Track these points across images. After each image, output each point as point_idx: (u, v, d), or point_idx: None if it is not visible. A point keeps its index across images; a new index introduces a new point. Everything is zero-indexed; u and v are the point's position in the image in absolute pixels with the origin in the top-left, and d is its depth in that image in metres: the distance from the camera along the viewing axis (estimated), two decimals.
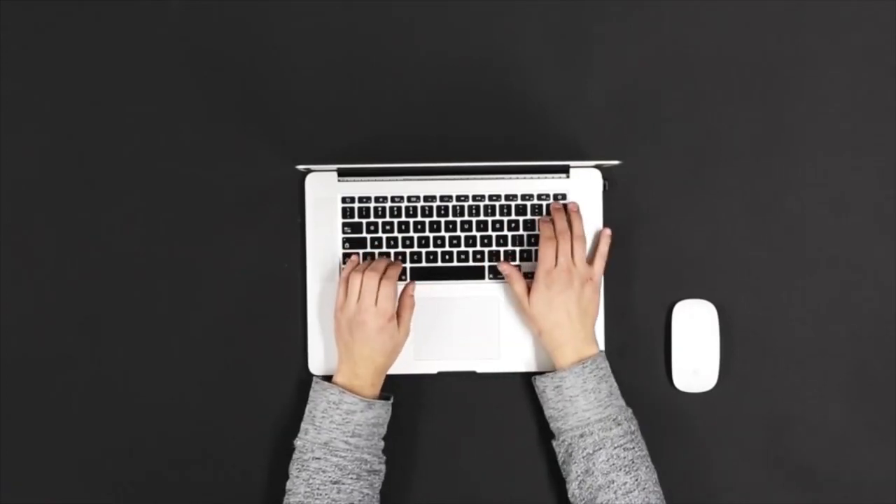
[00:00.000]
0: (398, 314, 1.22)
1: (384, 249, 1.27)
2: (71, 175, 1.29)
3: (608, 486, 1.15)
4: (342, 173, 1.27)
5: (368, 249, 1.27)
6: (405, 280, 1.26)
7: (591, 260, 1.24)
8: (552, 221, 1.25)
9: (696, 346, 1.28)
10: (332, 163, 1.25)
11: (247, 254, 1.29)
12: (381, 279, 1.19)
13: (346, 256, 1.27)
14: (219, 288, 1.29)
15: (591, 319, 1.22)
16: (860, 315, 1.29)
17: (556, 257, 1.21)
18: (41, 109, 1.29)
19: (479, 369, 1.28)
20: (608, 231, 1.26)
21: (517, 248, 1.27)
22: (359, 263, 1.24)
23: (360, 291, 1.20)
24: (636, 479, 1.16)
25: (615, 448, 1.16)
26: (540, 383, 1.22)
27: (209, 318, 1.29)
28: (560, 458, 1.21)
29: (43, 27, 1.29)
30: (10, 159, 1.29)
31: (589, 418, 1.18)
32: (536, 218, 1.27)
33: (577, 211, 1.25)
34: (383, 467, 1.20)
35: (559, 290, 1.20)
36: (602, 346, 1.26)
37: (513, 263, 1.26)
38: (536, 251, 1.25)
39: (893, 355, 1.29)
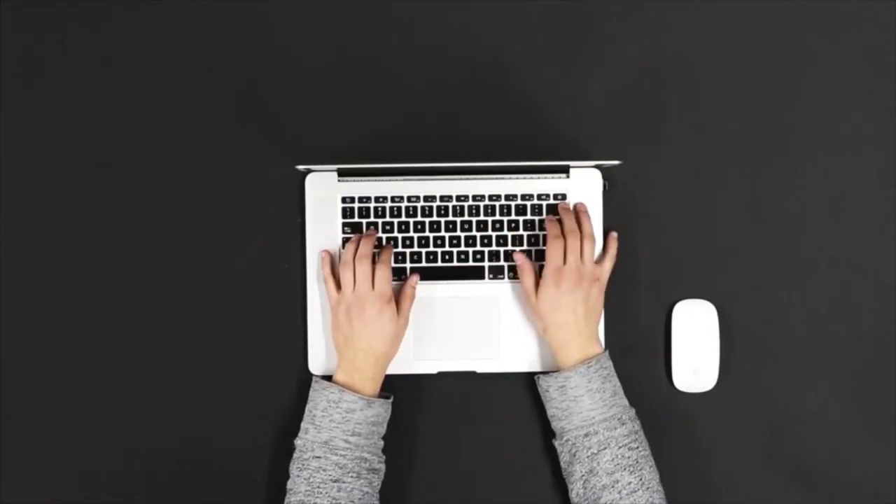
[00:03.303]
0: (398, 304, 1.22)
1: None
2: (71, 175, 1.29)
3: (613, 486, 1.15)
4: (342, 173, 1.27)
5: None
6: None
7: (599, 260, 1.25)
8: (559, 220, 1.25)
9: (696, 346, 1.28)
10: (332, 163, 1.26)
11: (247, 254, 1.29)
12: (373, 264, 1.20)
13: (331, 256, 1.26)
14: (219, 288, 1.29)
15: (596, 319, 1.23)
16: (860, 315, 1.29)
17: (565, 256, 1.21)
18: (41, 110, 1.29)
19: (479, 369, 1.28)
20: (615, 234, 1.26)
21: (517, 248, 1.27)
22: (332, 258, 1.24)
23: (354, 281, 1.20)
24: (640, 479, 1.16)
25: (620, 448, 1.16)
26: (544, 382, 1.22)
27: (209, 318, 1.29)
28: (563, 457, 1.20)
29: (43, 28, 1.29)
30: (11, 159, 1.29)
31: (594, 418, 1.18)
32: (538, 218, 1.27)
33: (586, 211, 1.26)
34: (383, 466, 1.20)
35: (568, 290, 1.20)
36: (602, 346, 1.26)
37: (528, 255, 1.26)
38: (543, 250, 1.25)
39: (893, 355, 1.29)
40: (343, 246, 1.27)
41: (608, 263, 1.25)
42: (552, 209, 1.27)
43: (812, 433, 1.29)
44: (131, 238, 1.29)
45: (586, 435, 1.17)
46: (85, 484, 1.28)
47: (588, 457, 1.17)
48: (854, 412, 1.29)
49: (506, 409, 1.29)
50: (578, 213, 1.25)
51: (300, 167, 1.23)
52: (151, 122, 1.29)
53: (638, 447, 1.17)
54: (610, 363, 1.21)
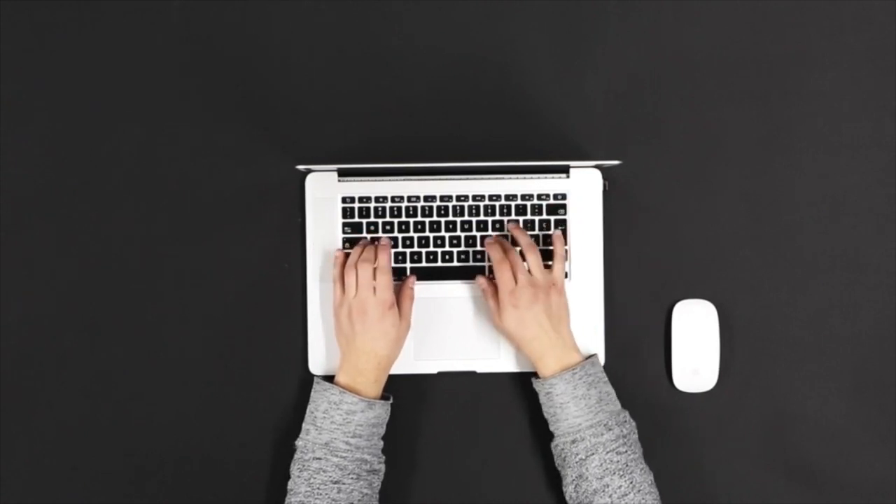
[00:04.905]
0: (399, 306, 1.22)
1: None
2: (71, 176, 1.29)
3: (603, 490, 1.15)
4: (342, 173, 1.27)
5: None
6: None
7: (549, 266, 1.24)
8: (497, 242, 1.25)
9: (696, 346, 1.28)
10: (332, 163, 1.25)
11: (247, 254, 1.29)
12: (374, 269, 1.20)
13: (346, 256, 1.27)
14: (219, 288, 1.29)
15: (566, 325, 1.22)
16: (860, 315, 1.29)
17: (515, 275, 1.21)
18: (42, 110, 1.29)
19: (479, 369, 1.28)
20: (559, 232, 1.26)
21: (517, 249, 1.27)
22: (346, 257, 1.24)
23: (356, 285, 1.20)
24: (631, 482, 1.16)
25: (608, 453, 1.16)
26: (536, 386, 1.22)
27: (209, 318, 1.29)
28: (556, 460, 1.21)
29: (43, 28, 1.29)
30: (11, 159, 1.29)
31: (580, 424, 1.18)
32: (538, 218, 1.27)
33: (517, 224, 1.26)
34: (383, 467, 1.20)
35: (526, 307, 1.20)
36: (602, 347, 1.26)
37: (490, 277, 1.26)
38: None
39: (893, 355, 1.29)
40: (343, 246, 1.27)
41: (558, 265, 1.24)
42: (552, 209, 1.27)
43: (812, 433, 1.29)
44: (131, 238, 1.29)
45: (573, 441, 1.17)
46: (85, 484, 1.28)
47: (577, 462, 1.17)
48: (854, 412, 1.29)
49: (506, 409, 1.29)
50: (510, 229, 1.25)
51: (300, 167, 1.23)
52: (151, 121, 1.29)
53: (627, 451, 1.17)
54: (597, 369, 1.21)
